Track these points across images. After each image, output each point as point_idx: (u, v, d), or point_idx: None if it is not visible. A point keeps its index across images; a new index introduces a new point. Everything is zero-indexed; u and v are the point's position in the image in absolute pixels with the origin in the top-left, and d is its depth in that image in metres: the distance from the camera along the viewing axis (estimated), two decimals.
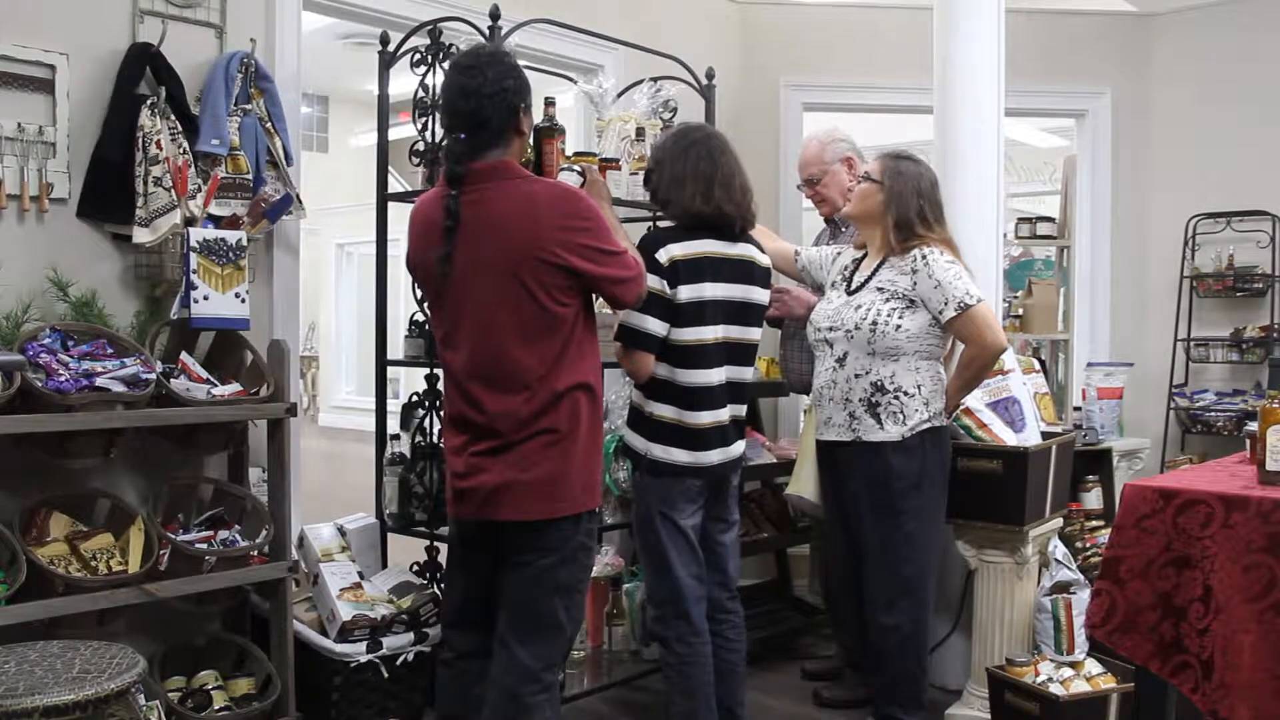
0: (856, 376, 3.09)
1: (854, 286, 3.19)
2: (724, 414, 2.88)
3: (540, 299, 2.33)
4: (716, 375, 2.84)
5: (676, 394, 2.82)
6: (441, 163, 2.61)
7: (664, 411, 2.83)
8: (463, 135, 2.34)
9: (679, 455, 2.83)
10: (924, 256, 3.06)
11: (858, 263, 3.27)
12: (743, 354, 2.94)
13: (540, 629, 2.43)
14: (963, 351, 3.14)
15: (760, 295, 2.95)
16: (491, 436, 2.38)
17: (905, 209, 3.09)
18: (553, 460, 2.39)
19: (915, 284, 3.05)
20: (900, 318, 3.04)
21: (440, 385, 3.01)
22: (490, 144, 2.36)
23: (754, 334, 2.97)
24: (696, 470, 2.85)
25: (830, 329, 3.15)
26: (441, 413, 2.59)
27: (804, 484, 3.30)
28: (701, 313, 2.81)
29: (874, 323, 3.05)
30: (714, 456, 2.86)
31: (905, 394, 3.05)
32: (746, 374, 2.97)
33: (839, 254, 3.41)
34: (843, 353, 3.12)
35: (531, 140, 3.22)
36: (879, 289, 3.10)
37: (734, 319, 2.88)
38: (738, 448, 2.95)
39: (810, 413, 3.22)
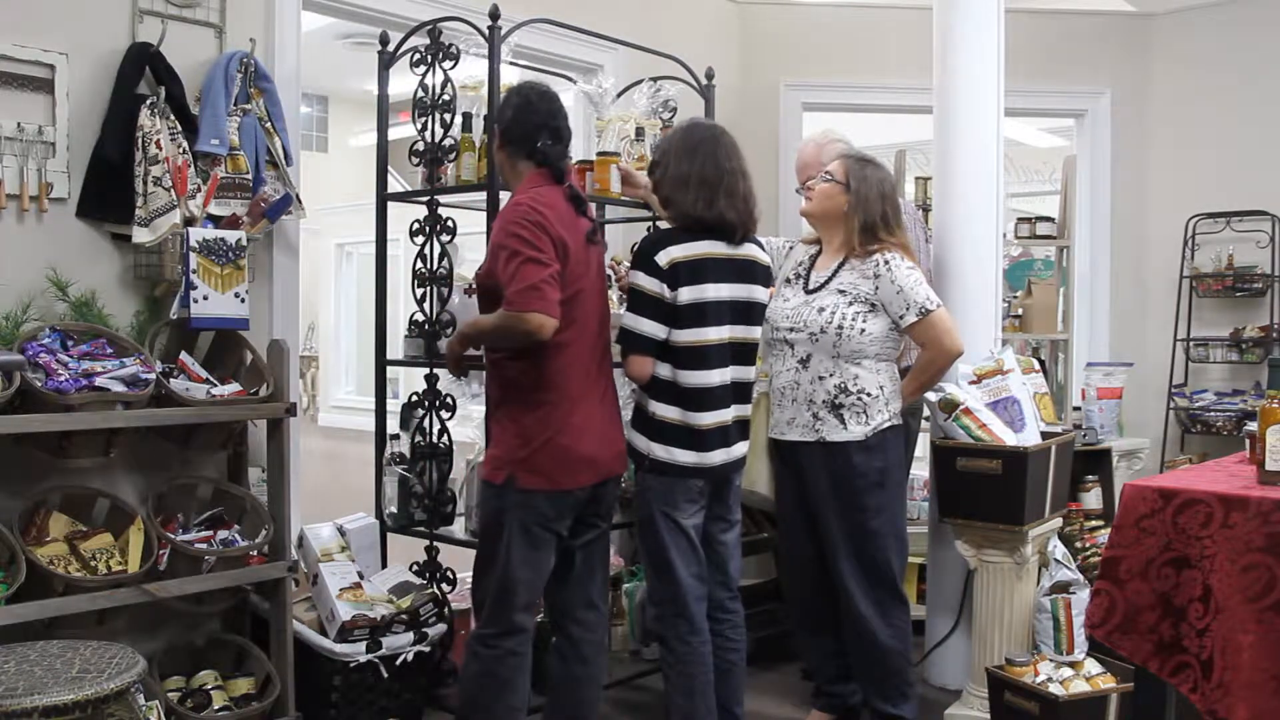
0: (820, 379, 3.11)
1: (812, 285, 3.20)
2: (727, 414, 2.88)
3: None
4: (718, 376, 2.85)
5: (679, 395, 2.83)
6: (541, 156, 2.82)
7: (667, 412, 2.83)
8: (550, 140, 2.71)
9: (681, 455, 2.83)
10: (886, 262, 3.08)
11: (813, 259, 3.28)
12: (747, 354, 2.94)
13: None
14: (920, 354, 3.20)
15: (762, 294, 2.96)
16: (613, 397, 2.82)
17: (872, 212, 3.13)
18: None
19: (877, 288, 3.08)
20: (864, 321, 3.08)
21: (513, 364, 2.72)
22: (565, 154, 2.78)
23: (757, 333, 2.98)
24: (698, 470, 2.85)
25: (791, 329, 3.15)
26: (551, 385, 2.67)
27: (756, 478, 3.31)
28: (703, 314, 2.81)
29: (839, 326, 3.07)
30: (716, 457, 2.87)
31: (869, 395, 3.08)
32: (751, 373, 2.97)
33: (790, 247, 3.42)
34: (805, 354, 3.13)
35: None
36: (840, 291, 3.12)
37: (738, 319, 2.88)
38: (740, 448, 2.95)
39: (760, 407, 3.23)
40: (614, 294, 3.47)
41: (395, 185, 3.81)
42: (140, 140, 2.96)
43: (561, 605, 2.85)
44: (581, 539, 2.80)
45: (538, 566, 2.69)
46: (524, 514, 2.64)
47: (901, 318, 3.08)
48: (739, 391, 2.92)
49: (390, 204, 3.58)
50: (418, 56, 3.39)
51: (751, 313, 2.93)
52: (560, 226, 2.63)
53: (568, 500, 2.68)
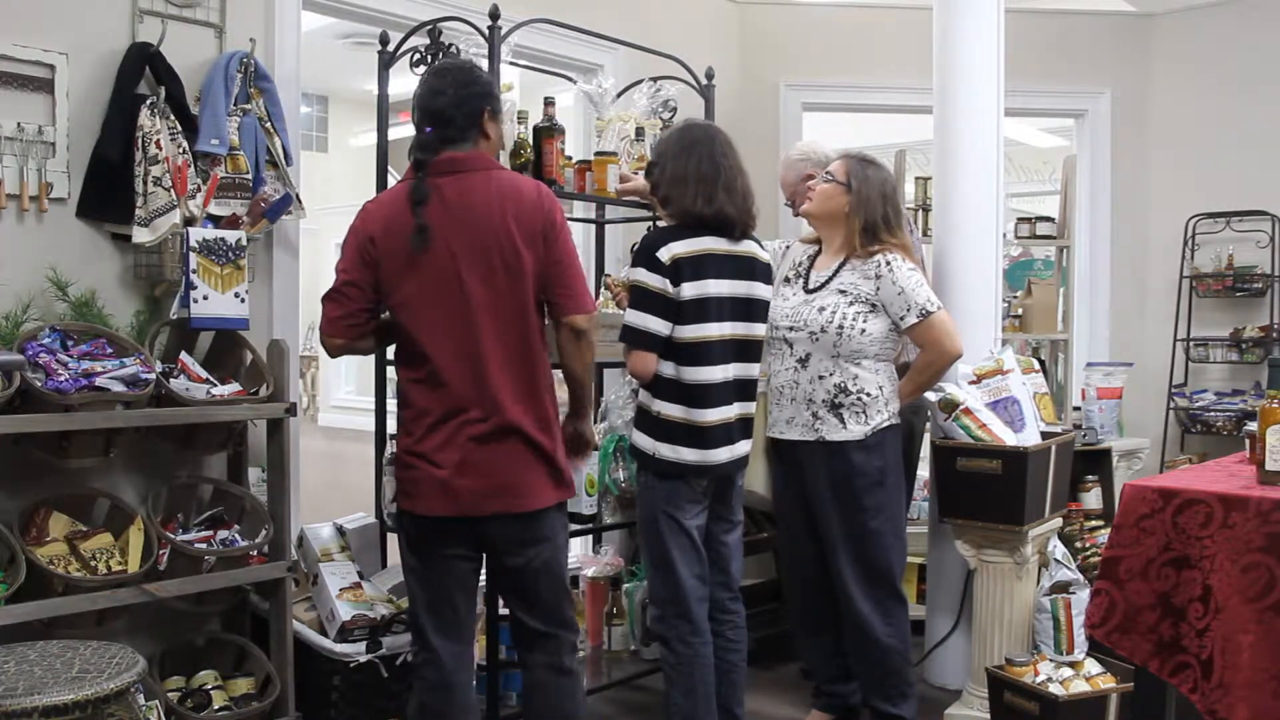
0: (820, 378, 3.11)
1: (812, 285, 3.20)
2: (731, 411, 2.88)
3: (518, 283, 2.45)
4: (720, 372, 2.85)
5: (683, 392, 2.82)
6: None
7: (672, 411, 2.83)
8: (429, 129, 2.47)
9: (687, 454, 2.83)
10: (888, 263, 3.09)
11: (812, 259, 3.29)
12: (749, 350, 2.94)
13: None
14: (920, 356, 3.21)
15: (763, 291, 2.96)
16: (518, 424, 2.47)
17: (873, 213, 3.14)
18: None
19: (878, 289, 3.09)
20: (865, 322, 3.08)
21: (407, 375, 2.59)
22: (455, 139, 2.48)
23: (759, 330, 2.98)
24: (702, 469, 2.85)
25: (791, 329, 3.16)
26: (407, 401, 2.51)
27: (753, 478, 3.32)
28: (705, 309, 2.81)
29: (840, 326, 3.07)
30: (720, 455, 2.86)
31: (868, 395, 3.09)
32: (754, 370, 2.97)
33: (787, 247, 3.42)
34: (805, 354, 3.14)
35: (531, 140, 3.24)
36: (841, 291, 3.12)
37: (740, 315, 2.89)
38: (742, 447, 2.95)
39: (759, 407, 3.23)
40: (611, 297, 3.46)
41: None
42: (140, 140, 2.96)
43: (515, 620, 2.67)
44: (510, 562, 2.56)
45: (430, 587, 2.55)
46: (402, 534, 2.60)
47: (902, 319, 3.08)
48: (742, 389, 2.92)
49: None
50: (418, 56, 3.39)
51: (753, 309, 2.93)
52: (380, 227, 2.47)
53: (432, 526, 2.50)
